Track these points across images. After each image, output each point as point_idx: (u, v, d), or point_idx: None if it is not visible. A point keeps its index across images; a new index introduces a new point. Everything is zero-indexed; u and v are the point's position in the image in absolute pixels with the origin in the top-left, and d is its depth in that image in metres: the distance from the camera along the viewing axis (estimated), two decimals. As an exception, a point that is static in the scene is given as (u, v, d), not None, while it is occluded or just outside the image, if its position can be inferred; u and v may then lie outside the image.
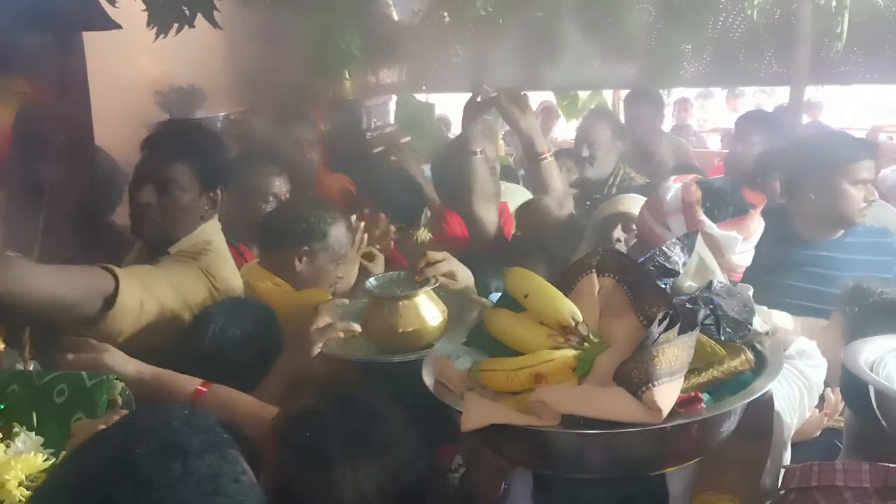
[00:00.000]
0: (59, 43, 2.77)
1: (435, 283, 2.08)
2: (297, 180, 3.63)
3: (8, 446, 1.27)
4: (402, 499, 1.41)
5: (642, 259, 1.60)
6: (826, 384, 1.97)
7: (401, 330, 1.99)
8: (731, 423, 1.43)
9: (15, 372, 1.56)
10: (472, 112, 3.19)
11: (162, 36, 2.69)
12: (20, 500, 1.14)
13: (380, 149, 4.31)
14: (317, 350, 1.98)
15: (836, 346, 2.04)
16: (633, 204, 2.73)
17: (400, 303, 2.01)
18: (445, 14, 4.11)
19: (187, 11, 2.66)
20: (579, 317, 1.51)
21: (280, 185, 3.22)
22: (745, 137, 4.03)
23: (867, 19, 3.43)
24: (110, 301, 1.94)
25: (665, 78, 4.06)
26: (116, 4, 2.73)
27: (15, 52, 2.66)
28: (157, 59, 3.62)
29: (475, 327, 1.71)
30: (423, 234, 3.36)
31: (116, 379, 1.40)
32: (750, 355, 1.45)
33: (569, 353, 1.46)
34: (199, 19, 2.73)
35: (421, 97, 4.77)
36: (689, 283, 1.59)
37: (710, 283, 1.54)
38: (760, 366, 1.47)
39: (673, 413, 1.30)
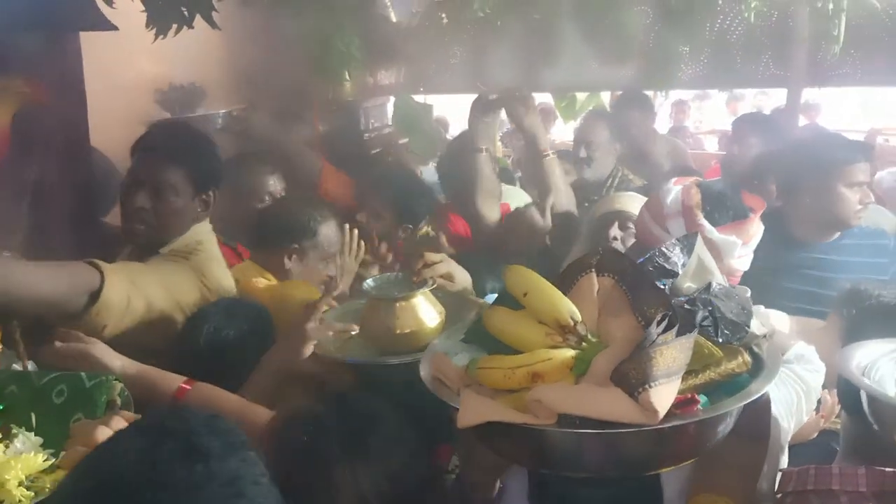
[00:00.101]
0: (56, 43, 2.77)
1: (433, 285, 2.08)
2: (302, 175, 3.66)
3: (7, 447, 1.27)
4: (399, 500, 1.41)
5: (642, 259, 1.60)
6: (823, 387, 1.98)
7: (398, 331, 1.99)
8: (727, 424, 1.43)
9: (13, 372, 1.56)
10: (479, 111, 3.23)
11: (161, 37, 2.69)
12: (20, 500, 1.14)
13: (377, 150, 4.31)
14: (310, 346, 1.98)
15: (832, 348, 2.04)
16: (630, 202, 2.74)
17: (397, 304, 2.01)
18: (443, 15, 4.11)
19: (186, 12, 2.66)
20: (578, 316, 1.51)
21: (275, 184, 3.23)
22: (742, 139, 4.05)
23: (864, 22, 3.43)
24: (95, 296, 1.94)
25: (662, 80, 4.05)
26: (114, 5, 2.73)
27: (13, 52, 2.66)
28: (156, 59, 3.62)
29: (474, 324, 1.71)
30: (427, 231, 3.40)
31: (115, 380, 1.40)
32: (747, 357, 1.45)
33: (567, 352, 1.46)
34: (199, 19, 2.73)
35: (419, 98, 4.77)
36: (688, 285, 1.59)
37: (709, 285, 1.54)
38: (757, 368, 1.47)
39: (669, 414, 1.31)
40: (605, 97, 6.17)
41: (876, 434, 1.61)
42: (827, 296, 2.47)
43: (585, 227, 2.88)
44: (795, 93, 4.24)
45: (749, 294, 1.67)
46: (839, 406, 2.21)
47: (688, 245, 1.63)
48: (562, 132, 7.26)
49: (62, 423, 1.31)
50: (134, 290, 2.04)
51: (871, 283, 2.29)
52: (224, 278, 2.34)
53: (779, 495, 1.68)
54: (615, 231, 2.70)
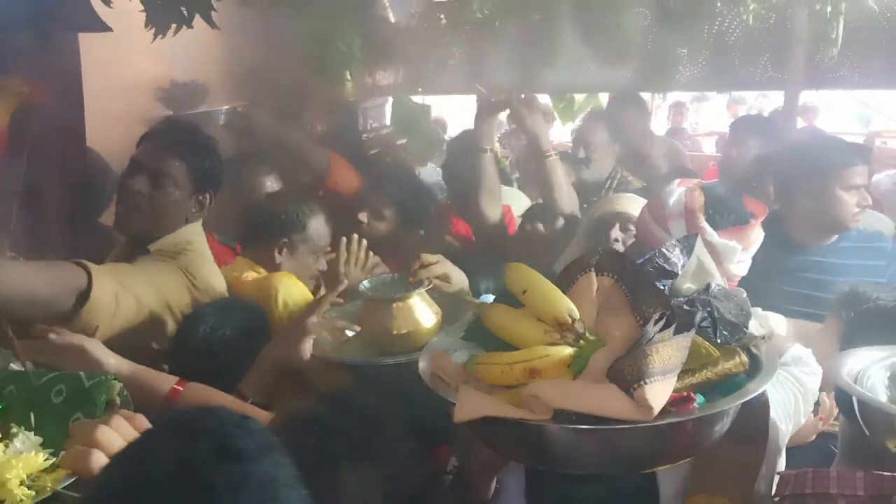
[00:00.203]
0: (54, 43, 2.77)
1: (429, 285, 2.08)
2: (310, 169, 3.71)
3: (7, 446, 1.27)
4: (400, 500, 1.41)
5: (642, 260, 1.61)
6: (821, 389, 1.98)
7: (395, 332, 1.99)
8: (723, 424, 1.44)
9: (12, 372, 1.55)
10: (486, 112, 3.28)
11: (160, 36, 2.68)
12: (21, 500, 1.14)
13: (376, 150, 4.31)
14: (310, 342, 1.98)
15: (830, 350, 2.05)
16: (630, 203, 2.74)
17: (394, 305, 2.01)
18: (442, 16, 4.11)
19: (185, 12, 2.66)
20: (576, 314, 1.52)
21: (272, 184, 3.24)
22: (740, 142, 4.04)
23: (862, 24, 3.43)
24: (83, 297, 1.94)
25: (660, 82, 4.05)
26: (112, 5, 2.73)
27: (11, 52, 2.65)
28: (155, 58, 3.62)
29: (473, 322, 1.72)
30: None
31: (114, 379, 1.40)
32: (744, 358, 1.45)
33: (564, 349, 1.47)
34: (198, 19, 2.72)
35: (417, 99, 4.76)
36: (687, 285, 1.59)
37: (708, 286, 1.54)
38: (755, 369, 1.48)
39: (665, 412, 1.31)
40: (604, 99, 6.18)
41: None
42: (824, 299, 2.47)
43: (583, 228, 2.88)
44: (793, 95, 4.24)
45: (744, 295, 1.67)
46: (837, 409, 2.22)
47: (687, 246, 1.63)
48: (559, 133, 7.26)
49: (61, 423, 1.31)
50: (123, 291, 2.04)
51: (868, 286, 2.29)
52: (214, 278, 2.34)
53: (777, 499, 1.68)
54: (616, 233, 2.70)
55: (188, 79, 3.90)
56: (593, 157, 3.82)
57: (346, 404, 1.55)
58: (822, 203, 2.80)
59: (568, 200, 3.08)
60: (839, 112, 8.86)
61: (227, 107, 3.80)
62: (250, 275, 2.52)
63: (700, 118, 9.99)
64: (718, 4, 3.61)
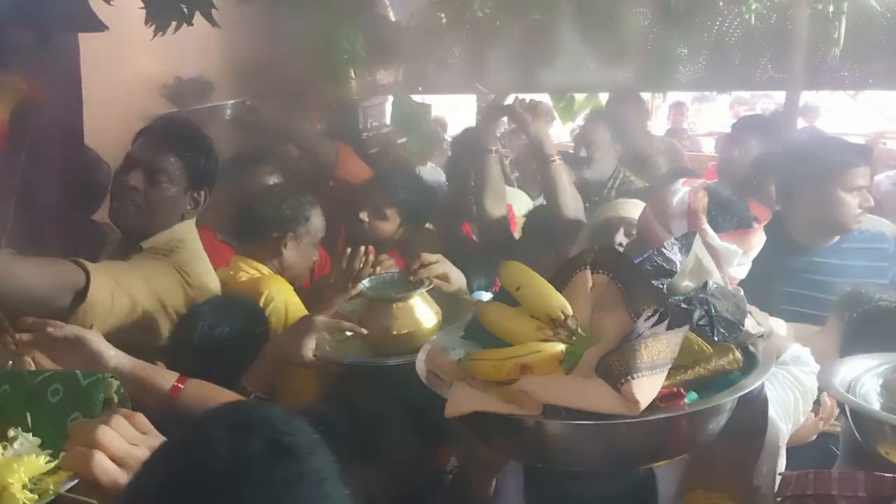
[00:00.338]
0: (53, 41, 2.76)
1: (430, 286, 2.08)
2: (319, 161, 3.76)
3: (5, 448, 1.25)
4: (401, 500, 1.41)
5: (640, 259, 1.61)
6: (821, 389, 1.98)
7: (395, 332, 1.99)
8: (718, 421, 1.44)
9: (6, 371, 1.52)
10: (492, 114, 3.36)
11: (160, 34, 2.68)
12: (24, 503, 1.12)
13: (375, 149, 4.31)
14: (313, 340, 1.98)
15: (830, 351, 2.04)
16: (635, 209, 2.74)
17: (394, 305, 2.01)
18: (442, 15, 4.10)
19: (185, 9, 2.65)
20: (569, 311, 1.52)
21: (273, 182, 3.23)
22: (742, 142, 4.03)
23: (863, 25, 3.43)
24: (81, 295, 1.94)
25: (661, 81, 4.06)
26: (112, 3, 2.72)
27: (10, 49, 2.65)
28: (155, 55, 3.61)
29: (472, 320, 1.72)
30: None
31: (111, 377, 1.38)
32: (738, 355, 1.45)
33: (556, 345, 1.48)
34: (198, 16, 2.72)
35: (417, 98, 4.75)
36: (685, 284, 1.59)
37: (706, 284, 1.54)
38: (751, 367, 1.48)
39: (655, 408, 1.31)
40: (604, 99, 6.17)
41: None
42: (826, 300, 2.46)
43: (587, 231, 2.88)
44: (794, 96, 4.24)
45: (741, 293, 1.67)
46: (838, 408, 2.21)
47: (686, 244, 1.63)
48: (559, 133, 7.26)
49: (59, 423, 1.28)
50: (118, 289, 2.04)
51: (870, 287, 2.29)
52: (207, 276, 2.34)
53: (778, 499, 1.68)
54: (620, 237, 2.71)
55: (191, 76, 3.89)
56: (595, 156, 3.82)
57: (347, 404, 1.54)
58: (824, 204, 2.78)
59: (572, 204, 3.09)
60: (840, 112, 8.86)
61: (233, 101, 3.78)
62: (244, 275, 2.52)
63: (700, 118, 9.98)
64: (720, 4, 3.60)
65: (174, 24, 2.68)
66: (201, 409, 1.64)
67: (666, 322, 1.38)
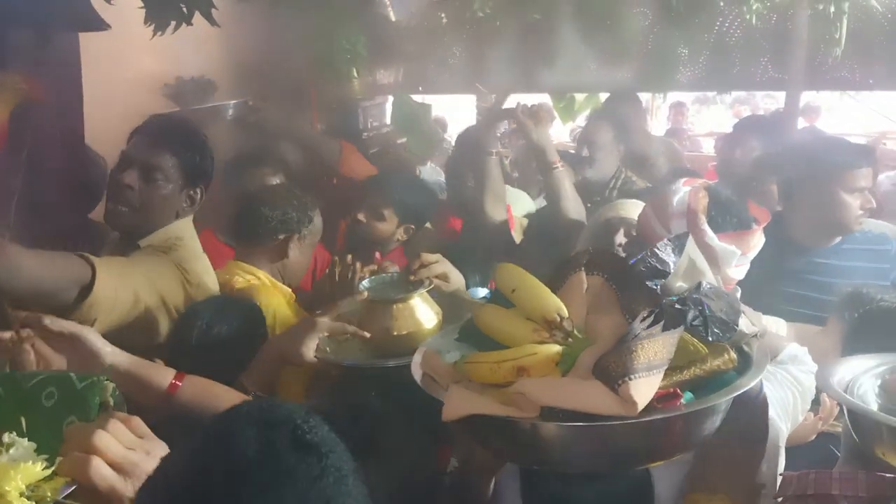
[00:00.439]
0: (53, 40, 2.76)
1: (430, 286, 2.08)
2: (322, 159, 3.76)
3: (0, 454, 1.24)
4: (398, 501, 1.40)
5: (634, 260, 1.61)
6: (820, 389, 1.98)
7: (396, 333, 1.98)
8: (713, 421, 1.44)
9: None
10: (492, 117, 3.38)
11: (159, 33, 2.67)
12: None
13: (375, 149, 4.31)
14: (315, 340, 1.98)
15: (831, 352, 2.04)
16: (635, 209, 2.74)
17: (394, 306, 2.00)
18: (443, 15, 4.10)
19: (185, 9, 2.65)
20: (565, 312, 1.52)
21: (276, 182, 3.22)
22: (744, 142, 4.02)
23: (863, 25, 3.43)
24: (86, 289, 1.93)
25: (661, 82, 4.05)
26: (112, 2, 2.72)
27: (10, 48, 2.65)
28: (156, 55, 3.60)
29: (466, 323, 1.72)
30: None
31: (107, 380, 1.36)
32: (733, 355, 1.45)
33: (553, 347, 1.47)
34: (198, 16, 2.71)
35: (417, 98, 4.76)
36: (679, 284, 1.59)
37: (699, 284, 1.54)
38: (746, 366, 1.48)
39: (651, 408, 1.31)
40: (604, 99, 6.17)
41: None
42: (827, 301, 2.45)
43: (587, 231, 2.88)
44: (794, 96, 4.23)
45: (739, 293, 1.67)
46: (838, 409, 2.21)
47: (679, 245, 1.63)
48: (559, 133, 7.26)
49: (54, 427, 1.26)
50: (121, 284, 2.03)
51: (872, 288, 2.28)
52: (206, 275, 2.34)
53: (779, 499, 1.68)
54: (620, 238, 2.71)
55: (191, 75, 3.89)
56: (597, 156, 3.80)
57: (346, 404, 1.54)
58: (825, 205, 2.77)
59: (575, 210, 3.08)
60: (841, 113, 8.86)
61: (235, 101, 3.78)
62: (239, 279, 2.51)
63: (703, 119, 9.99)
64: (721, 4, 3.60)
65: (173, 23, 2.67)
66: (200, 407, 1.65)
67: (661, 323, 1.38)
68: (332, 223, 3.00)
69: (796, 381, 1.86)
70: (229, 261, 2.62)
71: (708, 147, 8.44)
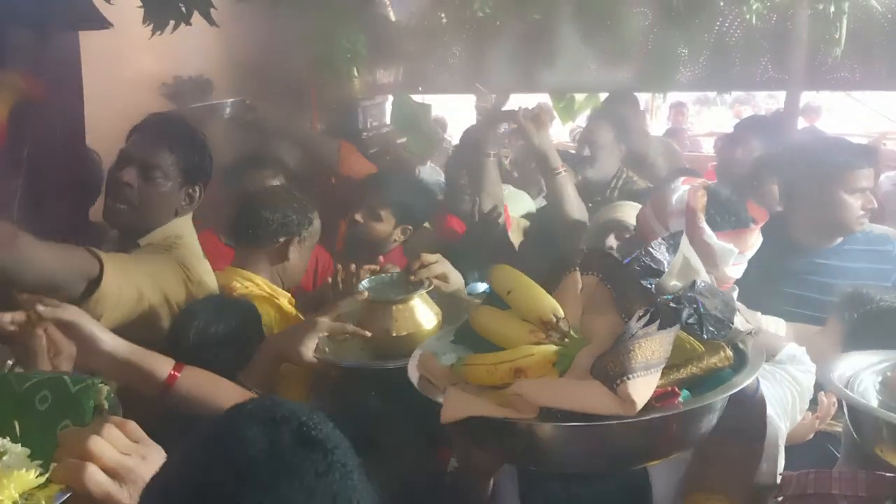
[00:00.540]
0: (54, 39, 2.75)
1: (430, 286, 2.07)
2: (321, 159, 3.75)
3: None
4: (399, 501, 1.40)
5: (628, 259, 1.61)
6: (818, 388, 1.98)
7: (395, 334, 1.98)
8: (710, 419, 1.44)
9: None
10: (492, 118, 3.40)
11: (158, 33, 2.67)
12: None
13: (375, 149, 4.30)
14: (315, 340, 1.97)
15: (831, 352, 2.04)
16: (630, 212, 2.74)
17: (394, 307, 2.00)
18: (443, 15, 4.10)
19: (184, 8, 2.64)
20: (561, 313, 1.52)
21: (277, 184, 3.22)
22: (745, 142, 4.01)
23: (863, 25, 3.43)
24: (93, 284, 1.92)
25: (661, 82, 4.05)
26: (112, 1, 2.71)
27: (10, 47, 2.64)
28: (157, 54, 3.60)
29: (462, 325, 1.72)
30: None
31: (101, 383, 1.34)
32: (729, 352, 1.45)
33: (549, 348, 1.48)
34: (197, 16, 2.71)
35: (417, 98, 4.76)
36: (673, 283, 1.59)
37: (694, 283, 1.54)
38: (741, 364, 1.48)
39: (649, 407, 1.31)
40: (604, 99, 6.17)
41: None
42: (828, 301, 2.45)
43: (587, 233, 2.89)
44: (794, 95, 4.23)
45: (736, 292, 1.67)
46: (835, 407, 2.21)
47: (673, 244, 1.63)
48: (559, 132, 7.25)
49: (48, 432, 1.24)
50: (126, 281, 2.03)
51: (872, 288, 2.28)
52: (206, 274, 2.34)
53: (779, 499, 1.68)
54: (611, 241, 2.72)
55: (190, 74, 3.89)
56: (598, 155, 3.79)
57: (346, 405, 1.54)
58: (826, 206, 2.76)
59: (577, 213, 3.08)
60: (841, 113, 8.85)
61: (232, 99, 3.76)
62: (237, 284, 2.50)
63: (701, 119, 9.98)
64: (721, 4, 3.59)
65: (172, 23, 2.66)
66: (198, 399, 1.64)
67: (657, 322, 1.38)
68: (331, 223, 3.00)
69: (795, 381, 1.86)
70: (227, 266, 2.61)
71: (708, 147, 8.44)
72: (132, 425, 1.14)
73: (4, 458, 1.21)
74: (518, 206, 3.85)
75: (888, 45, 3.59)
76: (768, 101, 9.01)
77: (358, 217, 3.17)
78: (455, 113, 7.09)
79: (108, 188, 2.30)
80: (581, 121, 5.96)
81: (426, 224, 3.47)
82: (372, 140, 4.36)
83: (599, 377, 1.33)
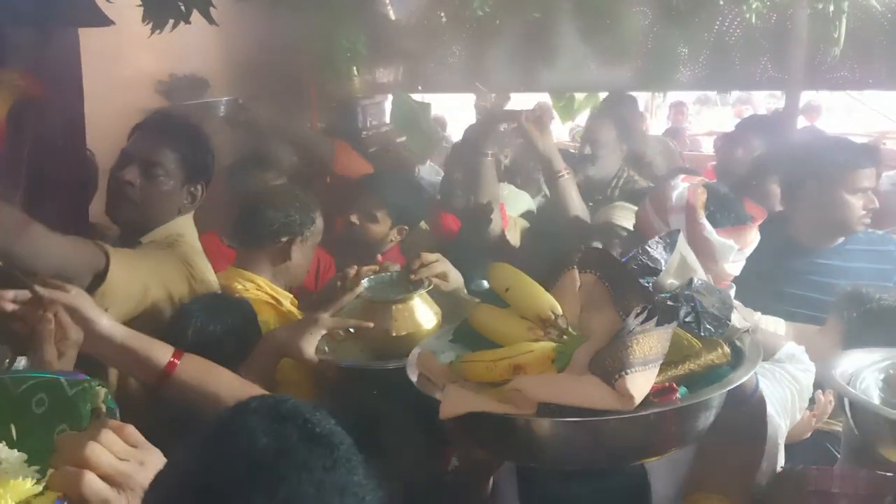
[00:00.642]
0: (53, 37, 2.75)
1: (430, 286, 2.07)
2: (316, 158, 3.73)
3: None
4: (399, 500, 1.40)
5: (626, 258, 1.61)
6: (816, 387, 1.98)
7: (395, 334, 1.97)
8: (707, 415, 1.44)
9: None
10: (494, 118, 3.38)
11: (158, 31, 2.67)
12: None
13: (375, 148, 4.30)
14: (317, 336, 1.97)
15: (830, 351, 2.04)
16: (623, 215, 2.76)
17: (394, 306, 1.99)
18: (442, 14, 4.10)
19: (183, 7, 2.64)
20: (559, 310, 1.53)
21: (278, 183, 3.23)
22: (747, 141, 4.01)
23: (863, 24, 3.42)
24: (98, 278, 1.92)
25: (661, 81, 4.05)
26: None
27: (9, 45, 2.64)
28: (154, 52, 3.59)
29: (461, 324, 1.72)
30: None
31: (99, 385, 1.32)
32: (727, 349, 1.45)
33: (548, 345, 1.48)
34: (197, 14, 2.71)
35: (417, 97, 4.76)
36: (670, 281, 1.60)
37: (691, 281, 1.55)
38: (739, 361, 1.48)
39: (648, 402, 1.32)
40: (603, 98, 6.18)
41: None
42: (829, 302, 2.44)
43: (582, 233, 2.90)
44: (794, 95, 4.23)
45: (733, 290, 1.67)
46: (832, 406, 2.21)
47: (670, 243, 1.64)
48: (558, 132, 7.25)
49: (45, 436, 1.21)
50: (131, 277, 2.03)
51: (871, 287, 2.28)
52: (208, 272, 2.34)
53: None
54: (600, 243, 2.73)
55: (186, 72, 3.88)
56: (600, 154, 3.78)
57: (345, 405, 1.54)
58: (828, 206, 2.76)
59: (579, 216, 3.08)
60: (841, 112, 8.85)
61: (227, 98, 3.75)
62: (238, 286, 2.49)
63: (701, 119, 9.99)
64: (721, 3, 3.59)
65: (171, 21, 2.66)
66: (198, 389, 1.62)
67: (655, 319, 1.39)
68: (328, 223, 2.99)
69: (794, 379, 1.87)
70: (230, 266, 2.61)
71: (707, 146, 8.44)
72: (130, 429, 1.12)
73: (2, 464, 1.19)
74: (517, 205, 3.84)
75: (888, 45, 3.59)
76: (769, 101, 9.00)
77: (354, 219, 3.16)
78: (455, 112, 7.09)
79: (110, 186, 2.30)
80: (580, 120, 5.96)
81: (423, 223, 3.47)
82: (372, 139, 4.36)
83: (597, 372, 1.34)
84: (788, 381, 1.86)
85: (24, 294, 1.58)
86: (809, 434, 2.27)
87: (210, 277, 2.33)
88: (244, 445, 0.87)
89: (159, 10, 2.65)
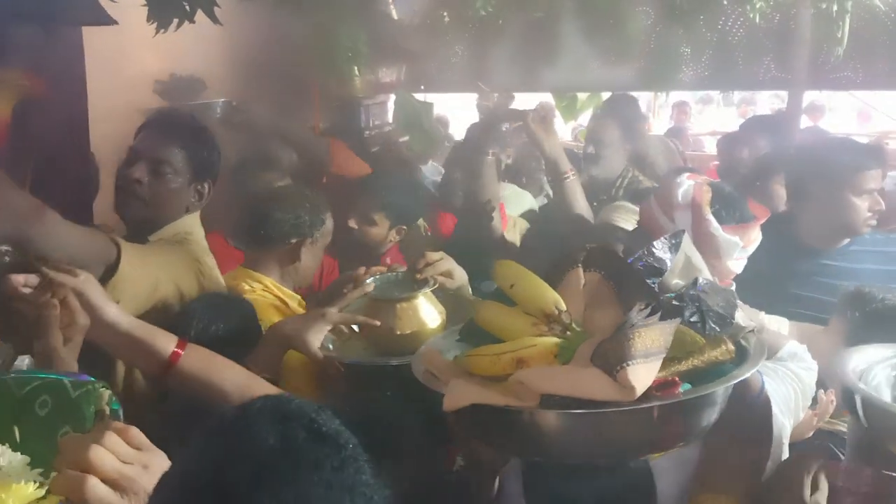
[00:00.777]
0: (57, 36, 2.75)
1: (434, 285, 2.07)
2: (313, 158, 3.70)
3: None
4: (404, 499, 1.40)
5: (631, 259, 1.62)
6: (822, 387, 1.98)
7: (399, 332, 1.98)
8: (711, 412, 1.45)
9: None
10: (495, 118, 3.37)
11: (162, 31, 2.67)
12: None
13: (377, 148, 4.30)
14: (323, 331, 1.97)
15: (834, 350, 2.04)
16: (623, 216, 2.77)
17: (398, 305, 1.99)
18: (445, 14, 4.10)
19: (187, 6, 2.65)
20: (563, 305, 1.54)
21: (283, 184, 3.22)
22: (751, 141, 4.00)
23: (866, 24, 3.42)
24: (110, 270, 1.92)
25: (664, 80, 4.04)
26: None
27: (12, 44, 2.64)
28: (158, 52, 3.60)
29: (468, 323, 1.72)
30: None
31: (102, 387, 1.32)
32: (731, 346, 1.46)
33: (552, 339, 1.49)
34: (201, 13, 2.71)
35: (419, 96, 4.75)
36: (675, 281, 1.61)
37: (696, 281, 1.56)
38: (743, 359, 1.48)
39: (650, 396, 1.33)
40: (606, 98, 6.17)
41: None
42: (834, 303, 2.44)
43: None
44: (797, 95, 4.22)
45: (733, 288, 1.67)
46: (833, 405, 2.21)
47: (675, 243, 1.64)
48: (560, 131, 7.24)
49: (48, 438, 1.19)
50: (142, 271, 2.03)
51: (875, 287, 2.28)
52: (215, 270, 2.34)
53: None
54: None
55: (187, 72, 3.88)
56: (604, 153, 3.78)
57: (350, 403, 1.54)
58: (834, 207, 2.75)
59: (586, 216, 3.08)
60: (843, 112, 8.85)
61: (222, 100, 3.75)
62: (245, 286, 2.49)
63: (703, 119, 9.98)
64: (724, 2, 3.59)
65: (175, 21, 2.67)
66: (202, 380, 1.62)
67: (658, 314, 1.39)
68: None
69: (797, 378, 1.87)
70: (238, 266, 2.61)
71: (710, 146, 8.43)
72: (134, 431, 1.11)
73: (4, 467, 1.17)
74: (518, 204, 3.84)
75: (891, 45, 3.59)
76: (773, 101, 8.99)
77: (352, 223, 3.16)
78: (457, 112, 7.09)
79: (117, 185, 2.30)
80: (583, 119, 5.95)
81: (421, 221, 3.46)
82: (374, 139, 4.36)
83: (599, 364, 1.35)
84: (791, 379, 1.86)
85: (35, 279, 1.57)
86: (811, 433, 2.27)
87: (217, 275, 2.33)
88: (251, 445, 0.86)
89: (163, 10, 2.65)
